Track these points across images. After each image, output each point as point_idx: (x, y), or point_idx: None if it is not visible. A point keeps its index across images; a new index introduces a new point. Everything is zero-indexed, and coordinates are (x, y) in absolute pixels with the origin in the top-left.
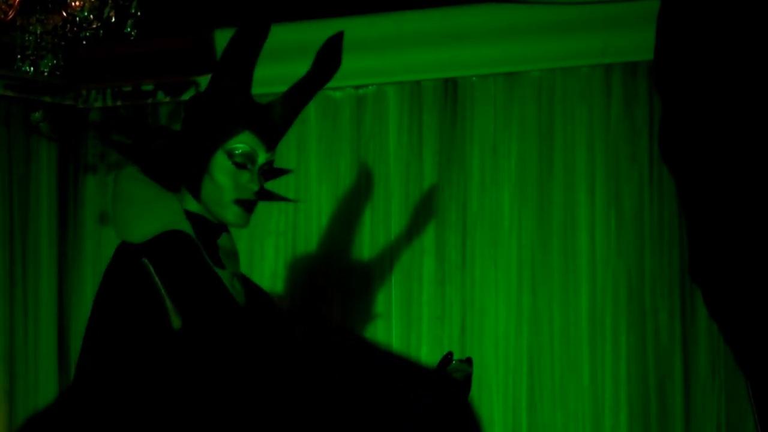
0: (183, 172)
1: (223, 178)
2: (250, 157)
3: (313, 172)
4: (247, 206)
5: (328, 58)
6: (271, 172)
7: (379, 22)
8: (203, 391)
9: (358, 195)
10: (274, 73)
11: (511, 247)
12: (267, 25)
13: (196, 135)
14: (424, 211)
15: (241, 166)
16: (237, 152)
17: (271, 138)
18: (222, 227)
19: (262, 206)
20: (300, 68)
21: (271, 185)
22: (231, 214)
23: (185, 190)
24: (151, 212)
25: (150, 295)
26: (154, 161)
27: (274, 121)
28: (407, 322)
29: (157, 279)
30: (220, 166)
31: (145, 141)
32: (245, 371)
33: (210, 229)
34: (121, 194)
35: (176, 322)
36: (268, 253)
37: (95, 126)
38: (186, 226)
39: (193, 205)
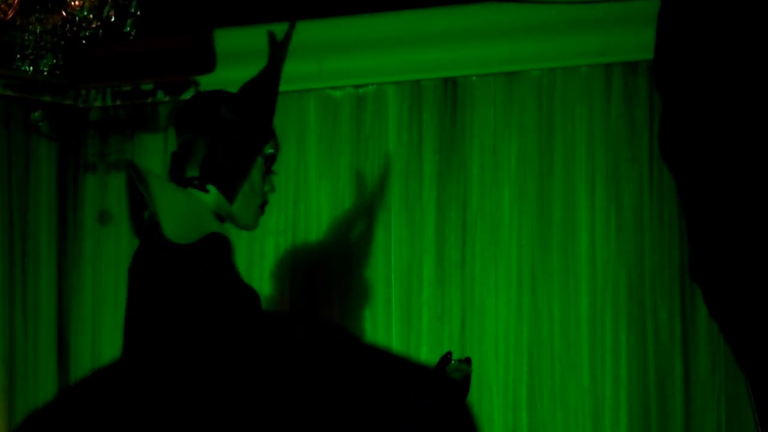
0: (227, 173)
1: (259, 182)
2: (274, 161)
3: (312, 172)
4: (263, 209)
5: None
6: None
7: (379, 22)
8: (211, 390)
9: (358, 194)
10: None
11: (511, 246)
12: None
13: (243, 136)
14: (423, 211)
15: (269, 170)
16: (271, 156)
17: None
18: None
19: None
20: (299, 67)
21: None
22: (253, 216)
23: (216, 191)
24: (191, 214)
25: (215, 295)
26: (218, 162)
27: None
28: (407, 322)
29: (216, 281)
30: (259, 170)
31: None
32: (252, 372)
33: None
34: (160, 193)
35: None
36: (267, 252)
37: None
38: (221, 228)
39: (209, 203)
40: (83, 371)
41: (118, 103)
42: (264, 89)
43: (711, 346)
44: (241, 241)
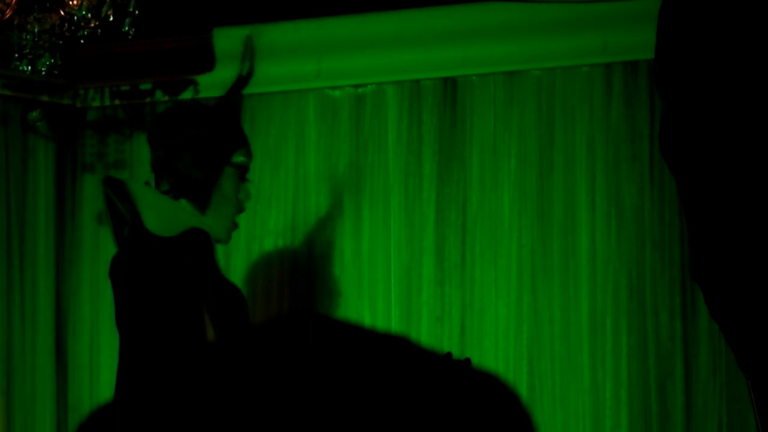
0: (196, 184)
1: (233, 192)
2: (247, 170)
3: (311, 172)
4: (236, 222)
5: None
6: None
7: (378, 21)
8: (214, 390)
9: (358, 194)
10: (273, 72)
11: (511, 246)
12: None
13: (209, 146)
14: (423, 211)
15: (243, 179)
16: (243, 165)
17: None
18: None
19: (261, 206)
20: (298, 66)
21: (270, 183)
22: (226, 230)
23: (187, 203)
24: (171, 212)
25: (198, 289)
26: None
27: None
28: (407, 323)
29: (198, 274)
30: (231, 179)
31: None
32: (253, 372)
33: None
34: (140, 192)
35: (210, 332)
36: (267, 252)
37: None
38: (201, 225)
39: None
40: (81, 372)
41: (116, 102)
42: (228, 98)
43: (712, 347)
44: (240, 242)
